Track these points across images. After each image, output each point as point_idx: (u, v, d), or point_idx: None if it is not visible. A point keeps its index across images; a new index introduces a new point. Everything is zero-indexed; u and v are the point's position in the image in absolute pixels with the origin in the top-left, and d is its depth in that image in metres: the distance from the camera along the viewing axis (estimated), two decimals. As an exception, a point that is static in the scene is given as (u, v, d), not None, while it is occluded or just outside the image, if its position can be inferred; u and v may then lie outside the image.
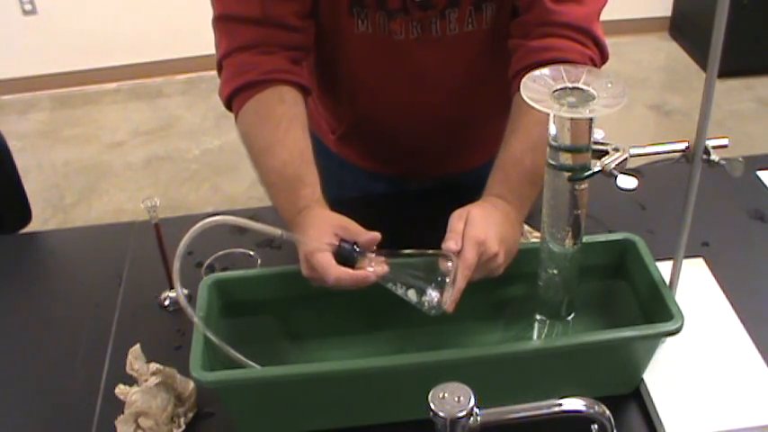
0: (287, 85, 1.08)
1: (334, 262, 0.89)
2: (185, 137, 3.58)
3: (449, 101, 1.21)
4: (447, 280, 0.88)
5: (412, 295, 0.89)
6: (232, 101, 1.09)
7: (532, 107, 0.80)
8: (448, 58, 1.14)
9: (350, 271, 0.89)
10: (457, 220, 0.92)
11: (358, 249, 0.90)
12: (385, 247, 0.92)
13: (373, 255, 0.91)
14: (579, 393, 0.71)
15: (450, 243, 0.89)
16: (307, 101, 1.11)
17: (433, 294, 0.88)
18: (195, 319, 0.90)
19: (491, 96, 1.14)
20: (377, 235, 0.91)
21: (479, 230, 0.90)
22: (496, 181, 1.00)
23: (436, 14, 1.08)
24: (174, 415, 0.96)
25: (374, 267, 0.89)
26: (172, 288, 1.16)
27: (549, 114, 0.81)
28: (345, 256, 0.90)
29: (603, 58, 1.09)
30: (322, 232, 0.91)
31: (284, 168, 1.01)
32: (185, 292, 1.15)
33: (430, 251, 0.92)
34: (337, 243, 0.90)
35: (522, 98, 0.81)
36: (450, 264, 0.89)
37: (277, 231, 0.91)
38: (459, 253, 0.90)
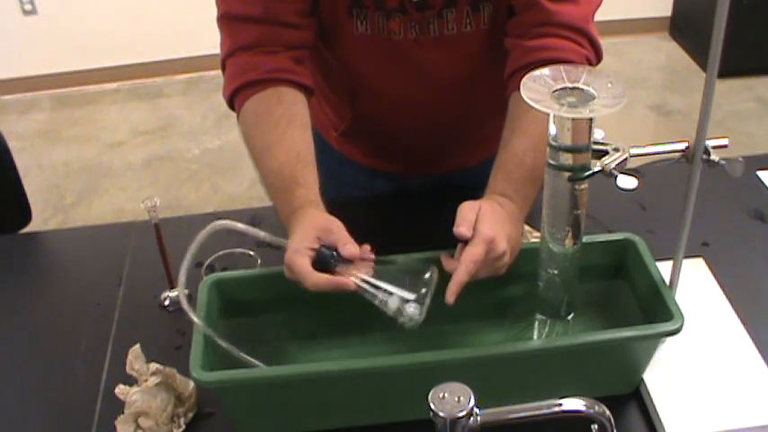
0: (288, 84, 1.08)
1: (310, 268, 0.89)
2: (185, 137, 3.58)
3: (448, 100, 1.21)
4: (423, 291, 0.88)
5: (391, 306, 0.89)
6: (234, 100, 1.09)
7: (532, 107, 0.80)
8: (447, 57, 1.14)
9: (328, 277, 0.89)
10: (468, 210, 0.92)
11: (337, 256, 0.90)
12: (381, 247, 0.92)
13: (355, 262, 0.90)
14: (579, 393, 0.71)
15: (463, 229, 0.89)
16: (309, 101, 1.11)
17: (410, 306, 0.88)
18: (197, 321, 0.90)
19: (490, 95, 1.14)
20: (357, 252, 0.91)
21: (489, 228, 0.90)
22: (499, 180, 1.00)
23: (434, 15, 1.09)
24: (174, 415, 0.96)
25: (353, 274, 0.89)
26: (172, 288, 1.16)
27: (543, 113, 0.81)
28: (324, 262, 0.90)
29: (598, 57, 1.09)
30: (304, 235, 0.91)
31: (281, 169, 1.01)
32: (186, 292, 1.16)
33: (415, 255, 0.91)
34: (318, 247, 0.90)
35: (522, 97, 0.82)
36: (427, 275, 0.88)
37: (260, 233, 0.91)
38: (451, 257, 0.90)
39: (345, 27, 1.11)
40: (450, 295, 0.88)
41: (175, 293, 1.16)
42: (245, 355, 0.92)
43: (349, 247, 0.91)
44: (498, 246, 0.90)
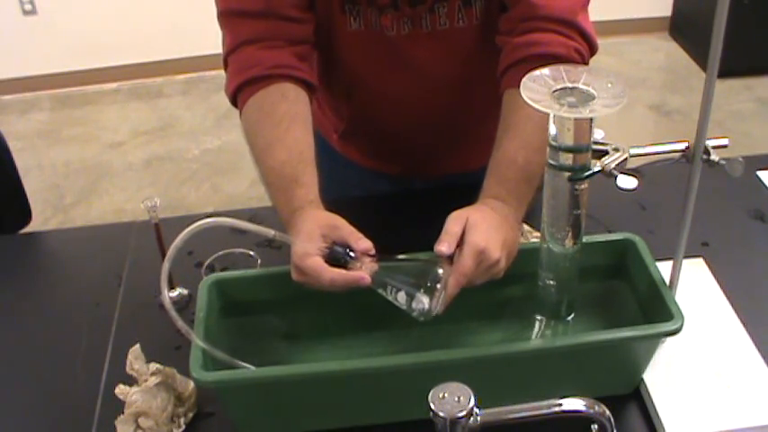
0: (291, 81, 1.08)
1: (325, 265, 0.89)
2: (185, 137, 3.58)
3: (444, 98, 1.21)
4: (438, 286, 0.87)
5: (402, 300, 0.89)
6: (237, 97, 1.09)
7: (532, 107, 0.80)
8: (440, 53, 1.14)
9: (343, 272, 0.89)
10: (453, 222, 0.91)
11: (351, 254, 0.90)
12: (384, 247, 0.92)
13: (366, 258, 0.90)
14: (579, 393, 0.71)
15: (443, 246, 0.88)
16: (311, 98, 1.11)
17: (423, 300, 0.88)
18: (179, 323, 0.89)
19: (487, 93, 1.14)
20: (370, 246, 0.91)
21: (480, 237, 0.89)
22: (492, 183, 1.00)
23: (425, 10, 1.09)
24: (174, 415, 0.96)
25: (366, 269, 0.89)
26: (172, 288, 1.16)
27: (544, 113, 0.81)
28: (337, 259, 0.90)
29: (592, 49, 1.07)
30: (310, 236, 0.91)
31: (282, 168, 1.01)
32: (185, 292, 1.16)
33: (422, 256, 0.91)
34: (327, 246, 0.90)
35: (512, 96, 0.82)
36: (441, 271, 0.88)
37: (270, 232, 0.91)
38: (452, 257, 0.89)
39: (339, 24, 1.12)
40: (440, 306, 0.88)
41: (176, 293, 1.16)
42: (227, 356, 0.92)
43: (361, 242, 0.91)
44: (491, 254, 0.89)
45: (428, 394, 0.67)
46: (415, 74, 1.17)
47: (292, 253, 0.91)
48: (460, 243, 0.90)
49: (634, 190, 1.33)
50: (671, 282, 0.99)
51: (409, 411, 0.88)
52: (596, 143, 0.85)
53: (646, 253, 0.99)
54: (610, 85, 0.82)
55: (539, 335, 0.99)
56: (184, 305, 1.15)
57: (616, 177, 0.84)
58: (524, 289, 1.00)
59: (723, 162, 0.86)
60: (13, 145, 1.65)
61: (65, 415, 1.01)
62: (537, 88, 0.82)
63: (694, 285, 1.10)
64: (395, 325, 0.99)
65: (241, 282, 1.01)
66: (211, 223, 0.89)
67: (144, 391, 0.95)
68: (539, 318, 1.00)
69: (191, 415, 0.98)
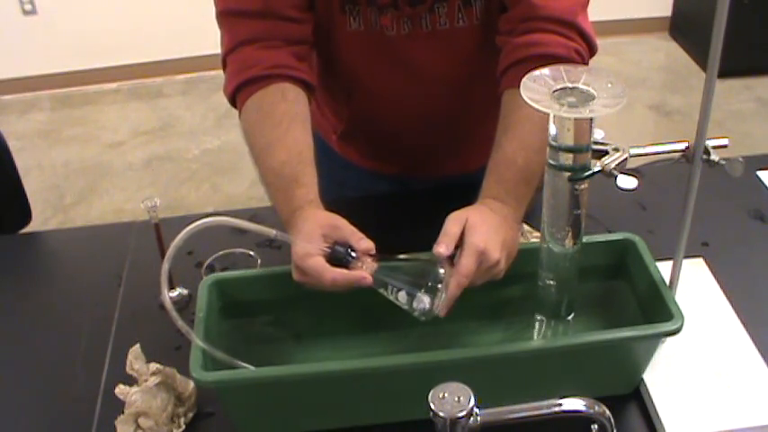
0: (290, 81, 1.08)
1: (327, 265, 0.89)
2: (185, 137, 3.58)
3: (444, 97, 1.21)
4: (439, 286, 0.87)
5: (403, 300, 0.89)
6: (236, 97, 1.09)
7: (532, 107, 0.80)
8: (440, 53, 1.14)
9: (345, 272, 0.89)
10: (452, 223, 0.91)
11: (352, 254, 0.90)
12: (383, 247, 0.92)
13: (367, 258, 0.90)
14: (579, 393, 0.71)
15: (441, 247, 0.88)
16: (310, 98, 1.11)
17: (424, 300, 0.88)
18: (179, 323, 0.89)
19: (487, 93, 1.13)
20: (372, 246, 0.91)
21: (480, 238, 0.89)
22: (491, 183, 1.00)
23: (425, 10, 1.09)
24: (174, 415, 0.96)
25: (367, 269, 0.89)
26: (172, 288, 1.16)
27: (544, 113, 0.81)
28: (339, 259, 0.90)
29: (591, 50, 1.08)
30: (310, 236, 0.91)
31: (282, 168, 1.01)
32: (185, 292, 1.16)
33: (423, 255, 0.92)
34: (327, 246, 0.90)
35: (512, 96, 0.82)
36: (442, 270, 0.88)
37: (271, 232, 0.91)
38: (452, 258, 0.89)
39: (339, 24, 1.12)
40: (442, 309, 0.88)
41: (176, 293, 1.16)
42: (226, 356, 0.91)
43: (363, 242, 0.91)
44: (491, 255, 0.89)
45: (428, 394, 0.67)
46: (414, 74, 1.17)
47: (293, 253, 0.91)
48: (460, 244, 0.90)
49: (634, 190, 1.33)
50: (671, 282, 0.99)
51: (409, 411, 0.88)
52: (596, 143, 0.85)
53: (646, 253, 0.99)
54: (610, 85, 0.82)
55: (539, 335, 0.99)
56: (184, 305, 1.15)
57: (616, 177, 0.85)
58: (524, 289, 1.00)
59: (723, 162, 0.86)
60: (13, 145, 1.65)
61: (65, 415, 1.01)
62: (537, 88, 0.82)
63: (694, 285, 1.10)
64: (395, 325, 0.99)
65: (241, 282, 1.01)
66: (212, 222, 0.89)
67: (144, 391, 0.95)
68: (539, 318, 1.00)
69: (191, 415, 0.98)
